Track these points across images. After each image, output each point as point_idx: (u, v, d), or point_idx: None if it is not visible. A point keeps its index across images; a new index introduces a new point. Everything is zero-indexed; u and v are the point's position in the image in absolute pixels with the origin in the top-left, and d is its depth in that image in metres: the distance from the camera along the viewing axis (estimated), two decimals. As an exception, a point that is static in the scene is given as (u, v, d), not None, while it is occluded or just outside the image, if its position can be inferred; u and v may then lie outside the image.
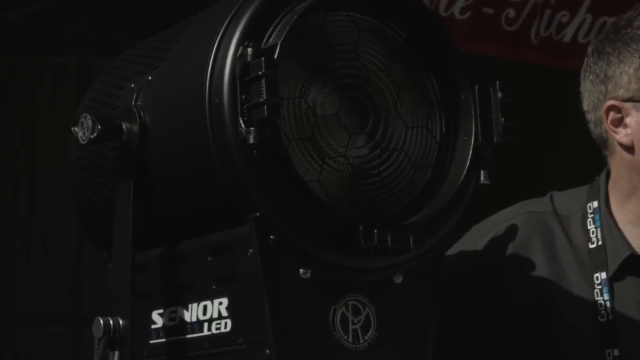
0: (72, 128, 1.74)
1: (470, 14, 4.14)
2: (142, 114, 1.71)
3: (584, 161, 2.53)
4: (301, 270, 1.61)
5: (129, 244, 1.70)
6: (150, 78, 1.74)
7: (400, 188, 1.68)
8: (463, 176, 1.70)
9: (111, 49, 1.93)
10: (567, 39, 4.47)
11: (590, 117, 2.25)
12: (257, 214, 1.58)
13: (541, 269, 2.20)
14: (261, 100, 1.54)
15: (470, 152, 1.70)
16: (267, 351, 1.58)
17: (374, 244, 1.60)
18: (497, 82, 1.72)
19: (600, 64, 2.23)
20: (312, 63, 1.63)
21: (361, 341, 1.63)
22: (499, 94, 1.71)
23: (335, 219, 1.60)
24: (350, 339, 1.63)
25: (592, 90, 2.24)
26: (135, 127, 1.70)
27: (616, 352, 2.13)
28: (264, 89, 1.54)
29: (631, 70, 2.19)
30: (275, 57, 1.55)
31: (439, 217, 1.68)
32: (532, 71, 4.73)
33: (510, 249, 2.20)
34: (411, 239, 1.62)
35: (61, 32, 4.13)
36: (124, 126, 1.71)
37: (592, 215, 2.22)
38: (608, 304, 2.15)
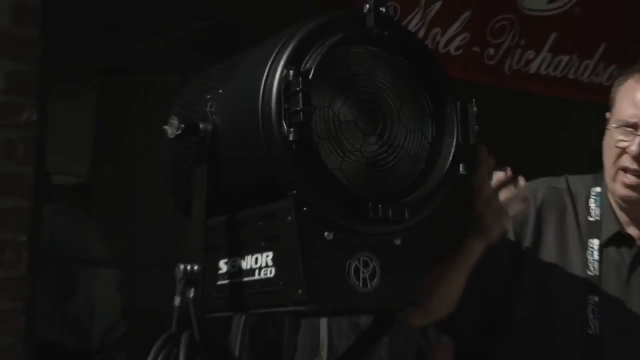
0: (164, 127, 1.72)
1: (462, 51, 4.11)
2: (214, 117, 1.68)
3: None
4: (326, 233, 1.58)
5: (203, 211, 1.67)
6: (220, 91, 1.71)
7: (400, 175, 1.64)
8: (447, 167, 1.66)
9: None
10: (532, 70, 4.42)
11: None
12: (295, 191, 1.55)
13: (550, 232, 2.18)
14: (298, 108, 1.52)
15: (453, 150, 1.66)
16: (300, 291, 1.55)
17: (379, 216, 1.57)
18: (473, 100, 1.68)
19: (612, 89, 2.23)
20: (338, 82, 1.60)
21: (369, 286, 1.60)
22: (474, 108, 1.68)
23: (351, 197, 1.57)
24: (360, 285, 1.59)
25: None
26: (209, 127, 1.68)
27: (596, 299, 2.11)
28: (301, 100, 1.52)
29: (611, 96, 2.19)
30: (310, 77, 1.53)
31: (429, 197, 1.65)
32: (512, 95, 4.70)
33: (533, 212, 2.18)
34: (407, 213, 1.59)
35: (169, 57, 4.11)
36: (201, 126, 1.68)
37: (594, 197, 2.20)
38: (596, 263, 2.13)
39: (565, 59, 4.49)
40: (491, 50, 4.24)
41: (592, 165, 2.28)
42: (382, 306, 1.66)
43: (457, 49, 4.11)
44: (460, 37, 4.13)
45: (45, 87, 3.35)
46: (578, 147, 5.68)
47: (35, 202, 3.29)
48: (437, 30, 4.03)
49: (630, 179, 2.10)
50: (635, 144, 2.08)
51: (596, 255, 2.14)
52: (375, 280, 1.60)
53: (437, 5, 4.05)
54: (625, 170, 2.10)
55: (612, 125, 2.14)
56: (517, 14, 4.32)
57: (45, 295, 3.76)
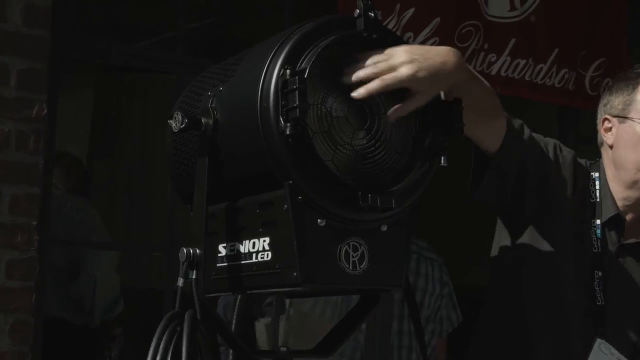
0: (168, 121, 1.68)
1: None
2: (215, 112, 1.65)
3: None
4: (319, 220, 1.54)
5: (204, 199, 1.63)
6: (221, 88, 1.68)
7: (387, 166, 1.61)
8: (429, 160, 1.63)
9: (202, 70, 1.87)
10: (493, 72, 4.40)
11: (597, 126, 2.28)
12: (290, 181, 1.52)
13: (568, 202, 2.18)
14: (295, 105, 1.49)
15: (435, 144, 1.63)
16: (295, 274, 1.52)
17: (369, 204, 1.54)
18: (456, 98, 1.66)
19: (606, 94, 2.28)
20: (330, 81, 1.57)
21: (358, 269, 1.57)
22: (456, 105, 1.65)
23: (342, 186, 1.54)
24: (350, 267, 1.57)
25: (599, 111, 2.28)
26: (211, 121, 1.64)
27: (600, 273, 2.15)
28: (297, 97, 1.48)
29: (620, 98, 2.22)
30: (305, 76, 1.50)
31: (413, 187, 1.62)
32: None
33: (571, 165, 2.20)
34: (393, 201, 1.56)
35: (165, 57, 4.07)
36: (203, 120, 1.64)
37: (593, 180, 2.22)
38: (599, 241, 2.17)
39: (522, 62, 4.48)
40: (457, 53, 4.22)
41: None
42: (369, 287, 1.63)
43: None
44: (430, 41, 4.11)
45: (55, 83, 3.31)
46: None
47: (44, 189, 3.25)
48: (409, 34, 4.01)
49: None
50: None
51: (599, 234, 2.18)
52: (364, 263, 1.58)
53: (410, 12, 4.03)
54: None
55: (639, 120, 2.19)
56: (481, 21, 4.31)
57: (52, 275, 3.71)
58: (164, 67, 4.00)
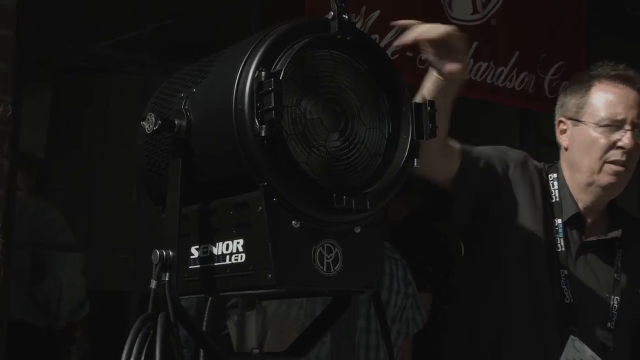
0: (141, 122, 1.66)
1: (398, 56, 4.09)
2: (188, 114, 1.63)
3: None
4: (293, 221, 1.53)
5: (177, 201, 1.62)
6: (194, 90, 1.66)
7: (361, 168, 1.61)
8: (403, 162, 1.63)
9: (165, 71, 1.84)
10: (456, 75, 4.42)
11: (555, 127, 2.32)
12: (265, 183, 1.51)
13: (524, 201, 2.22)
14: (270, 107, 1.48)
15: (408, 146, 1.63)
16: (269, 275, 1.51)
17: (343, 206, 1.53)
18: (429, 100, 1.66)
19: (561, 96, 2.32)
20: (304, 83, 1.57)
21: (332, 270, 1.57)
22: (429, 108, 1.65)
23: (317, 188, 1.54)
24: (324, 269, 1.56)
25: (556, 112, 2.32)
26: (184, 123, 1.63)
27: (566, 272, 2.19)
28: (272, 99, 1.47)
29: (574, 101, 2.25)
30: (281, 78, 1.49)
31: (387, 188, 1.61)
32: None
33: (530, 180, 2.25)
34: (368, 203, 1.56)
35: (130, 58, 4.02)
36: (176, 122, 1.63)
37: (552, 181, 2.26)
38: (562, 240, 2.20)
39: (484, 65, 4.51)
40: (423, 56, 4.22)
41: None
42: (343, 289, 1.63)
43: (393, 54, 4.09)
44: (395, 44, 4.10)
45: (20, 84, 3.26)
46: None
47: (9, 191, 3.20)
48: (375, 36, 4.01)
49: (619, 168, 2.18)
50: (628, 138, 2.16)
51: (561, 233, 2.21)
52: (338, 265, 1.57)
53: (376, 14, 4.04)
54: (614, 162, 2.18)
55: (592, 124, 2.20)
56: (445, 23, 4.30)
57: (16, 278, 3.66)
58: (128, 68, 3.95)
